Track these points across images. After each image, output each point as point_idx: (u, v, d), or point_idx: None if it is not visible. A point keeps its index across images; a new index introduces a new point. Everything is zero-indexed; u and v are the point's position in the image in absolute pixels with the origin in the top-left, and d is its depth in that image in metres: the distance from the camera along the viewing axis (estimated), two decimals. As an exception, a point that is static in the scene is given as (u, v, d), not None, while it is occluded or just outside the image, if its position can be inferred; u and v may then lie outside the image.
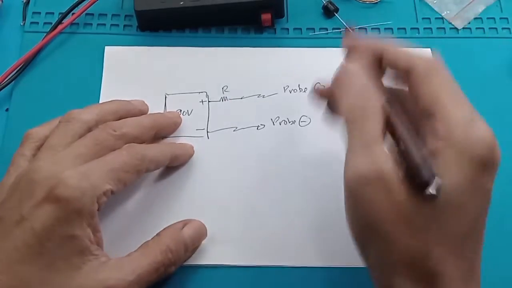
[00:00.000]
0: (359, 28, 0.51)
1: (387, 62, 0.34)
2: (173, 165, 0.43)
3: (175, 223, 0.40)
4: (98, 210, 0.35)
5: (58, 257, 0.34)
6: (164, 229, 0.39)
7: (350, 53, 0.36)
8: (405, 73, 0.33)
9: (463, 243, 0.30)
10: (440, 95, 0.31)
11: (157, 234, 0.38)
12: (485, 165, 0.29)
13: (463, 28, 0.51)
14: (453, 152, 0.29)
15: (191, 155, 0.44)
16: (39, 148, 0.38)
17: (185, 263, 0.40)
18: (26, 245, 0.33)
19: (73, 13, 0.50)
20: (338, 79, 0.35)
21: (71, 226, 0.34)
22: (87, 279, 0.34)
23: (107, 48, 0.49)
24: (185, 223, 0.40)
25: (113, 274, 0.35)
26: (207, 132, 0.46)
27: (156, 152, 0.40)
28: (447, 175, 0.29)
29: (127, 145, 0.38)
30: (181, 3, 0.47)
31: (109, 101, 0.43)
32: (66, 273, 0.34)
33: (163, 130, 0.44)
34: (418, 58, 0.33)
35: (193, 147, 0.44)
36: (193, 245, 0.40)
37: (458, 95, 0.32)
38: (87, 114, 0.39)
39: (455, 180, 0.29)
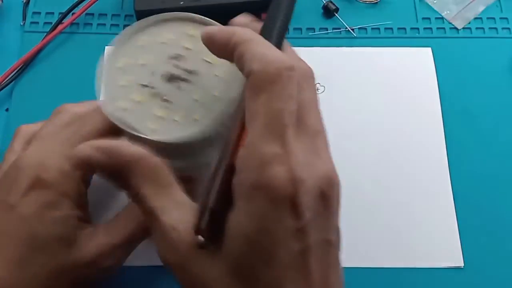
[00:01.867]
0: (359, 28, 0.51)
1: (236, 55, 0.28)
2: None
3: None
4: (87, 187, 0.36)
5: (51, 239, 0.34)
6: None
7: None
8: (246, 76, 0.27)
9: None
10: (255, 118, 0.26)
11: None
12: (277, 202, 0.25)
13: (463, 28, 0.51)
14: (243, 188, 0.26)
15: None
16: (28, 143, 0.38)
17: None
18: (17, 230, 0.34)
19: (73, 13, 0.50)
20: None
21: (60, 209, 0.34)
22: (82, 251, 0.35)
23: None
24: None
25: (101, 240, 0.35)
26: (207, 132, 0.46)
27: None
28: (235, 217, 0.26)
29: (91, 106, 0.37)
30: (181, 3, 0.47)
31: None
32: (62, 251, 0.34)
33: None
34: (258, 62, 0.26)
35: None
36: None
37: (277, 124, 0.26)
38: (79, 107, 0.39)
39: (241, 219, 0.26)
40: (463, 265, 0.41)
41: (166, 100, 0.32)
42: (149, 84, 0.32)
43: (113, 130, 0.37)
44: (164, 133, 0.31)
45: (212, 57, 0.32)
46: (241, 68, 0.28)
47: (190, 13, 0.34)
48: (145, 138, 0.31)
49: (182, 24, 0.34)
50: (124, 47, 0.34)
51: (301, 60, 0.29)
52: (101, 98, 0.32)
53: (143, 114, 0.32)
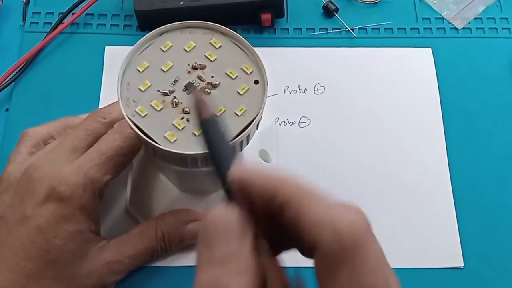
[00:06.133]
0: (359, 28, 0.51)
1: (289, 218, 0.22)
2: None
3: (184, 213, 0.39)
4: (100, 200, 0.36)
5: (66, 251, 0.34)
6: (171, 213, 0.39)
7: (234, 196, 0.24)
8: (306, 244, 0.22)
9: None
10: None
11: (161, 216, 0.39)
12: None
13: (463, 28, 0.51)
14: None
15: None
16: (35, 146, 0.38)
17: (184, 264, 0.40)
18: (32, 242, 0.34)
19: (73, 13, 0.50)
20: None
21: (76, 222, 0.34)
22: (93, 264, 0.35)
23: (107, 48, 0.49)
24: (193, 219, 0.39)
25: (113, 253, 0.36)
26: (207, 132, 0.46)
27: None
28: None
29: (117, 125, 0.37)
30: (181, 3, 0.47)
31: None
32: (74, 263, 0.35)
33: None
34: (327, 232, 0.21)
35: None
36: (191, 241, 0.40)
37: None
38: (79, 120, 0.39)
39: None
40: (463, 265, 0.41)
41: (186, 112, 0.32)
42: (170, 92, 0.32)
43: (130, 150, 0.37)
44: (181, 146, 0.31)
45: (234, 72, 0.32)
46: (296, 232, 0.22)
47: (213, 23, 0.34)
48: (159, 147, 0.30)
49: (205, 33, 0.34)
50: (146, 50, 0.33)
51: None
52: (121, 100, 0.32)
53: (162, 123, 0.31)
